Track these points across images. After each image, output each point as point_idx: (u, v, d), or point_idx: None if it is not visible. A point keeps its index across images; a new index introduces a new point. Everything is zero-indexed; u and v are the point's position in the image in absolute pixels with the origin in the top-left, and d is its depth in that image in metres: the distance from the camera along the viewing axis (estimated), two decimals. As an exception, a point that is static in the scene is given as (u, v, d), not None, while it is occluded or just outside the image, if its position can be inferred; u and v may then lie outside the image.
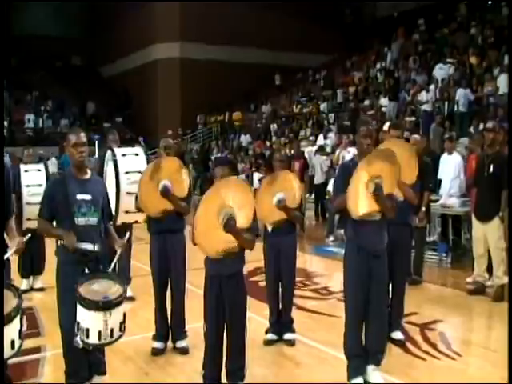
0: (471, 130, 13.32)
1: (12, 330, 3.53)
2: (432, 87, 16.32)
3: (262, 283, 6.32)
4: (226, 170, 4.13)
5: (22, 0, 31.00)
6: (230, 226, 3.78)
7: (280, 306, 5.48)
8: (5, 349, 3.50)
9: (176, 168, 5.16)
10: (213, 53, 27.06)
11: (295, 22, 27.66)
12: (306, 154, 15.17)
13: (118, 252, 4.21)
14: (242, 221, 3.87)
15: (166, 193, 4.98)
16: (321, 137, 16.96)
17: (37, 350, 5.31)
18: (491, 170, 6.57)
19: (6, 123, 27.33)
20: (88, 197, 4.13)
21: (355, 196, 4.13)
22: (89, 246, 4.05)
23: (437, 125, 14.15)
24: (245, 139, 23.09)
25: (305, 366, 4.95)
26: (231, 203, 3.83)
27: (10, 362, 3.86)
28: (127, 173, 5.99)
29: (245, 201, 3.93)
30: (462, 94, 14.66)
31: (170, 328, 5.28)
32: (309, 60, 27.64)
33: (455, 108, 14.93)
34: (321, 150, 15.23)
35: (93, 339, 3.80)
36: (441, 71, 16.75)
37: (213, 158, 20.04)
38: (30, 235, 4.06)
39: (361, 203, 4.15)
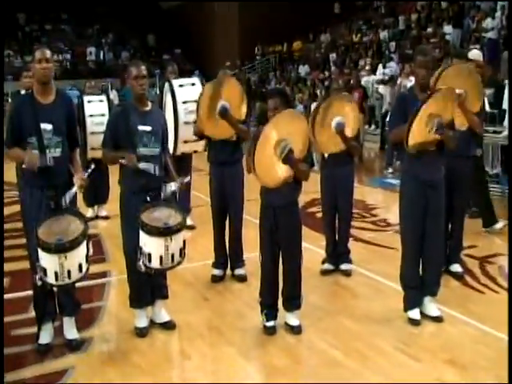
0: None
1: (80, 254, 3.71)
2: (498, 14, 15.44)
3: (319, 214, 6.35)
4: (277, 100, 4.09)
5: None
6: (289, 158, 3.80)
7: (337, 237, 5.52)
8: (72, 272, 3.69)
9: (236, 90, 5.11)
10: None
11: None
12: (364, 84, 14.84)
13: (174, 187, 4.22)
14: (298, 152, 3.89)
15: (224, 113, 4.95)
16: (380, 66, 16.46)
17: (102, 274, 5.56)
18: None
19: (68, 56, 27.78)
20: (149, 128, 4.20)
21: (413, 129, 4.01)
22: (150, 168, 4.12)
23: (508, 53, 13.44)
24: (303, 69, 22.67)
25: (361, 297, 5.01)
26: (286, 134, 3.83)
27: (77, 285, 4.05)
28: (185, 102, 6.03)
29: (300, 132, 3.93)
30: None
31: (228, 256, 5.42)
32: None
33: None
34: (382, 82, 14.87)
35: (155, 264, 3.97)
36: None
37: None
38: (92, 167, 4.16)
39: (417, 135, 4.04)
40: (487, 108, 8.83)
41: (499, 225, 6.69)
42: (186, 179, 4.43)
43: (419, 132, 4.03)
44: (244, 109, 5.12)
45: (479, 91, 5.05)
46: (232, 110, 4.98)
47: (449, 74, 4.89)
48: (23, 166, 3.87)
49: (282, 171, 3.90)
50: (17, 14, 29.41)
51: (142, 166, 4.10)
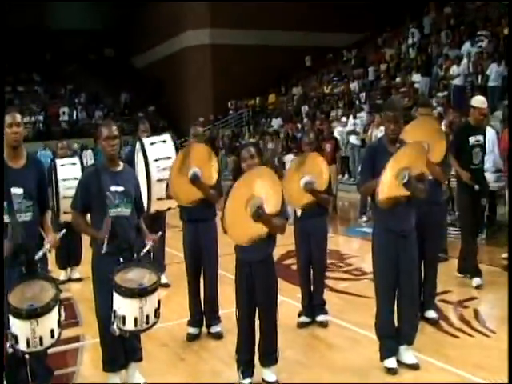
0: (505, 103, 13.04)
1: (51, 320, 3.66)
2: (464, 61, 16.00)
3: (294, 266, 6.35)
4: (251, 149, 4.15)
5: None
6: (258, 215, 3.80)
7: (312, 289, 5.53)
8: (44, 338, 3.63)
9: (205, 155, 5.19)
10: (242, 37, 26.99)
11: (324, 1, 27.31)
12: (337, 135, 15.14)
13: (148, 246, 4.26)
14: (271, 207, 3.91)
15: (195, 180, 5.02)
16: (351, 117, 16.84)
17: (75, 339, 5.47)
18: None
19: (41, 117, 27.88)
20: (121, 188, 4.21)
21: (383, 185, 4.11)
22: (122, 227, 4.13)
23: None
24: (276, 122, 23.06)
25: (337, 348, 4.99)
26: (259, 192, 3.86)
27: (49, 351, 3.98)
28: (156, 160, 6.07)
29: (272, 187, 3.96)
30: (493, 70, 14.30)
31: (203, 314, 5.38)
32: (339, 40, 27.36)
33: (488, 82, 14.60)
34: (353, 132, 15.20)
35: (129, 326, 3.91)
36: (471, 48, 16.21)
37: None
38: (64, 231, 4.17)
39: (387, 191, 4.13)
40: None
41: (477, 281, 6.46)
42: (158, 234, 4.44)
43: (389, 187, 4.11)
44: (214, 172, 5.19)
45: (442, 142, 5.20)
46: (203, 175, 5.06)
47: (412, 127, 5.03)
48: None
49: (255, 228, 3.91)
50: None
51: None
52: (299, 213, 5.44)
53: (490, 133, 9.09)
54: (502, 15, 17.91)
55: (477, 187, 6.19)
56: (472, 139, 6.23)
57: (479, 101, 6.35)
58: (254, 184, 3.90)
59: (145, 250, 4.20)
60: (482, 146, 6.35)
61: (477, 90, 14.31)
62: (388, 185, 4.11)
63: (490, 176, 8.75)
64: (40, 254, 3.91)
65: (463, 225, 6.64)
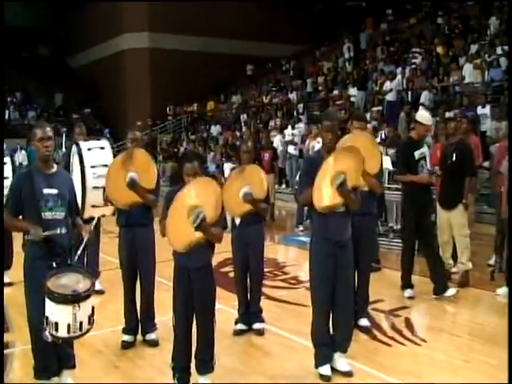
0: (437, 119, 13.53)
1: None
2: (399, 76, 16.50)
3: (232, 274, 6.38)
4: (196, 164, 4.14)
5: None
6: (201, 226, 3.85)
7: (249, 297, 5.55)
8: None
9: (144, 160, 5.15)
10: (182, 43, 26.88)
11: (265, 11, 27.60)
12: (275, 144, 15.30)
13: (85, 238, 4.20)
14: (211, 216, 3.95)
15: (133, 185, 4.97)
16: (289, 127, 17.04)
17: (5, 345, 5.26)
18: (454, 158, 6.70)
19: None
20: (54, 191, 4.13)
21: (320, 189, 4.21)
22: (56, 231, 4.04)
23: (405, 114, 14.33)
24: (215, 129, 23.07)
25: (274, 355, 5.03)
26: (200, 201, 3.90)
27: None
28: (93, 167, 5.95)
29: (213, 198, 3.99)
30: (427, 97, 14.76)
31: (139, 321, 5.30)
32: (279, 50, 27.65)
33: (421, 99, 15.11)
34: (291, 142, 15.38)
35: (62, 333, 3.81)
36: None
37: (180, 151, 19.95)
38: None
39: (325, 198, 4.25)
40: (390, 167, 9.35)
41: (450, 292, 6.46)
42: (92, 223, 4.37)
43: (327, 191, 4.21)
44: (153, 177, 5.15)
45: (377, 154, 5.35)
46: (141, 180, 5.01)
47: (348, 139, 5.15)
48: None
49: (194, 235, 3.92)
50: None
51: (47, 233, 4.01)
52: (238, 221, 5.45)
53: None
54: (435, 34, 18.61)
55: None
56: (417, 153, 6.43)
57: (425, 118, 6.56)
58: (197, 192, 3.94)
59: (83, 243, 4.12)
60: (425, 158, 6.57)
61: (407, 105, 14.79)
62: (327, 191, 4.20)
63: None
64: None
65: (405, 238, 6.75)
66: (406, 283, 6.59)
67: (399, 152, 6.72)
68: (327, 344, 4.51)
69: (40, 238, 3.98)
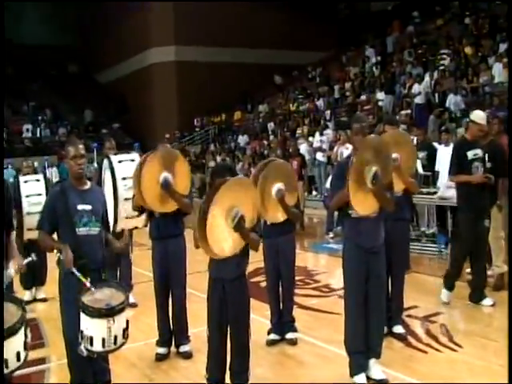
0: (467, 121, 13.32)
1: (17, 342, 3.56)
2: (427, 79, 16.33)
3: (263, 284, 6.37)
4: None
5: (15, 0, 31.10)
6: (240, 225, 3.77)
7: (281, 306, 5.53)
8: (10, 361, 3.53)
9: (181, 165, 5.12)
10: (207, 55, 27.12)
11: (289, 19, 27.68)
12: (304, 152, 15.26)
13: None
14: (248, 216, 3.88)
15: (166, 186, 4.95)
16: (317, 134, 17.00)
17: (41, 360, 5.35)
18: (486, 159, 6.57)
19: (4, 134, 27.39)
20: (89, 207, 4.18)
21: (355, 194, 4.15)
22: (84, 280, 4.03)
23: (434, 116, 14.17)
24: (242, 139, 23.14)
25: (307, 365, 4.99)
26: (237, 202, 3.82)
27: (15, 373, 3.88)
28: (124, 179, 6.02)
29: (250, 202, 3.94)
30: (452, 101, 14.60)
31: (172, 333, 5.32)
32: (304, 57, 27.69)
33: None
34: (319, 149, 15.33)
35: (97, 347, 3.84)
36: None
37: (211, 164, 20.01)
38: (33, 257, 4.10)
39: (362, 202, 4.18)
40: (421, 170, 9.25)
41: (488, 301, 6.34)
42: (125, 239, 4.39)
43: (362, 194, 4.15)
44: (187, 184, 5.16)
45: (413, 155, 5.30)
46: (175, 184, 5.01)
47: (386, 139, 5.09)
48: None
49: (232, 241, 3.85)
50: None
51: (76, 273, 4.02)
52: (268, 222, 5.38)
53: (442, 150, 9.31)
54: (463, 34, 18.40)
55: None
56: (470, 154, 6.19)
57: (480, 117, 6.30)
58: (233, 194, 3.84)
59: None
60: (482, 160, 6.27)
61: (436, 108, 14.64)
62: (360, 190, 4.13)
63: (453, 192, 8.88)
64: (6, 282, 3.82)
65: (460, 246, 6.51)
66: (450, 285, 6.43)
67: (452, 152, 6.53)
68: (362, 352, 4.45)
69: (68, 268, 3.99)
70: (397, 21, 23.22)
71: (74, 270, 4.01)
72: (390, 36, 22.97)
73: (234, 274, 4.10)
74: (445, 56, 17.52)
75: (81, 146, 4.22)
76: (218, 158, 20.23)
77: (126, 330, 3.94)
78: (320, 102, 21.30)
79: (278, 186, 5.12)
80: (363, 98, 19.27)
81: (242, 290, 4.17)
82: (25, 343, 3.62)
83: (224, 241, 3.86)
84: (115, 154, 6.56)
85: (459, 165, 6.27)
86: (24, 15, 32.56)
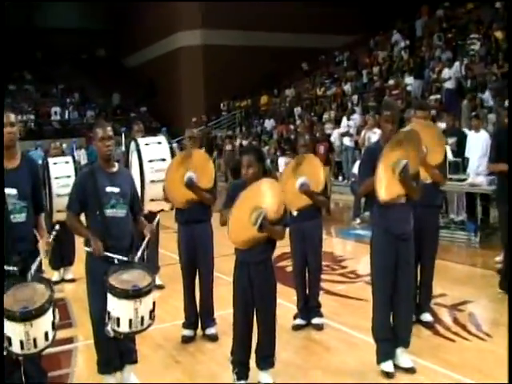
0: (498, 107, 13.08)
1: (46, 322, 3.61)
2: (457, 63, 16.03)
3: (290, 268, 6.35)
4: (251, 157, 4.13)
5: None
6: (263, 226, 3.86)
7: (307, 291, 5.51)
8: (38, 340, 3.58)
9: (202, 159, 5.20)
10: (234, 38, 26.97)
11: (317, 3, 27.32)
12: (333, 138, 15.15)
13: (147, 237, 4.27)
14: (274, 214, 3.95)
15: (190, 185, 5.03)
16: (344, 119, 16.84)
17: (69, 340, 5.43)
18: None
19: (32, 116, 27.74)
20: (117, 189, 4.19)
21: (381, 180, 4.11)
22: (115, 256, 4.09)
23: (468, 101, 13.91)
24: (269, 124, 23.06)
25: (334, 351, 4.97)
26: (263, 202, 3.92)
27: (44, 352, 3.93)
28: (151, 161, 6.06)
29: (276, 199, 3.99)
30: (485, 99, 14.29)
31: (199, 315, 5.34)
32: (332, 41, 27.39)
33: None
34: (347, 134, 15.17)
35: (124, 328, 3.88)
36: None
37: (228, 148, 20.07)
38: (57, 228, 4.14)
39: (387, 187, 4.14)
40: (450, 157, 9.09)
41: None
42: (155, 222, 4.44)
43: (389, 180, 4.10)
44: (211, 177, 5.20)
45: (440, 143, 5.19)
46: (199, 180, 5.05)
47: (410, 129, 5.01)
48: None
49: (254, 233, 3.93)
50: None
51: (108, 254, 4.06)
52: (295, 213, 5.40)
53: (484, 136, 9.13)
54: (493, 18, 17.99)
55: None
56: None
57: None
58: (260, 194, 3.97)
59: (145, 242, 4.18)
60: None
61: (467, 93, 14.36)
62: (388, 179, 4.10)
63: (483, 179, 8.78)
64: (36, 264, 3.85)
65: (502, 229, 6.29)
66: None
67: (492, 139, 6.33)
68: (389, 339, 4.40)
69: (99, 255, 4.04)
70: (426, 4, 22.77)
71: (106, 254, 4.04)
72: (419, 20, 22.55)
73: (259, 257, 4.10)
74: (475, 41, 17.14)
75: (109, 128, 4.22)
76: (244, 142, 20.20)
77: (152, 311, 3.97)
78: (347, 87, 21.07)
79: (301, 180, 5.13)
80: (391, 82, 19.00)
81: (268, 274, 4.17)
82: (53, 323, 3.67)
83: (245, 233, 3.96)
84: (142, 137, 6.60)
85: (499, 153, 6.11)
86: (54, 1, 32.81)
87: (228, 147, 20.08)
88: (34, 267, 3.85)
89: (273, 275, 4.21)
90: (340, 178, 16.06)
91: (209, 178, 5.18)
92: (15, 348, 3.56)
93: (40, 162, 7.68)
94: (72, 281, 7.53)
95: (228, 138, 22.03)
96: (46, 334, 3.62)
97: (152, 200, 6.12)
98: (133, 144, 6.42)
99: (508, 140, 6.35)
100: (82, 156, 19.43)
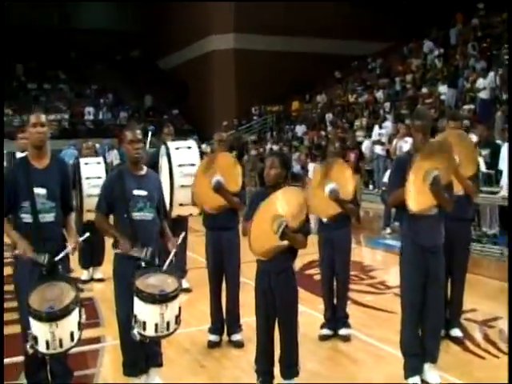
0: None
1: (71, 322, 3.63)
2: (491, 73, 15.76)
3: (317, 277, 6.29)
4: (275, 160, 4.11)
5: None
6: (284, 234, 3.83)
7: (335, 301, 5.44)
8: (64, 341, 3.60)
9: (229, 163, 5.19)
10: (267, 43, 26.97)
11: (350, 9, 27.18)
12: (364, 147, 15.01)
13: (172, 252, 4.25)
14: (295, 222, 3.91)
15: (218, 188, 5.02)
16: (376, 127, 16.69)
17: (96, 340, 5.45)
18: None
19: (67, 115, 28.15)
20: (144, 192, 4.21)
21: (411, 191, 4.04)
22: (141, 254, 4.11)
23: (502, 113, 13.67)
24: (300, 129, 22.99)
25: (360, 363, 4.90)
26: (285, 211, 3.89)
27: (71, 350, 3.94)
28: (180, 166, 6.08)
29: (298, 207, 3.96)
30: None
31: (225, 321, 5.32)
32: (364, 48, 27.21)
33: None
34: (378, 142, 15.02)
35: (150, 332, 3.87)
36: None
37: (253, 153, 20.06)
38: (87, 234, 4.16)
39: (417, 198, 4.06)
40: (483, 168, 8.94)
41: None
42: (181, 236, 4.42)
43: (419, 191, 4.02)
44: (238, 180, 5.18)
45: (473, 154, 5.09)
46: (226, 183, 5.05)
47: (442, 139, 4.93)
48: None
49: (274, 242, 3.90)
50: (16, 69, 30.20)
51: (135, 252, 4.09)
52: (324, 220, 5.34)
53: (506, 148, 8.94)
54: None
55: None
56: None
57: None
58: (282, 203, 3.94)
59: (169, 260, 4.15)
60: None
61: (502, 104, 14.11)
62: (418, 190, 4.02)
63: None
64: (61, 255, 3.88)
65: None
66: None
67: None
68: (417, 354, 4.31)
69: (127, 253, 4.07)
70: (460, 12, 22.46)
71: (133, 253, 4.05)
72: (454, 28, 22.26)
73: (280, 267, 4.06)
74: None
75: (138, 131, 4.26)
76: (275, 147, 20.17)
77: (178, 316, 3.96)
78: (379, 94, 20.90)
79: (331, 186, 5.08)
80: (424, 90, 18.78)
81: (290, 283, 4.12)
82: (79, 323, 3.68)
83: (266, 242, 3.93)
84: (173, 141, 6.61)
85: None
86: (88, 1, 33.35)
87: (253, 152, 20.07)
88: (60, 256, 3.86)
89: (294, 284, 4.16)
90: (370, 186, 15.91)
91: (236, 181, 5.16)
92: (41, 347, 3.59)
93: (71, 161, 7.79)
94: (101, 280, 7.58)
95: (253, 142, 22.04)
96: (72, 335, 3.64)
97: (181, 204, 6.14)
98: (163, 148, 6.45)
99: (508, 140, 6.22)
100: (114, 156, 19.58)
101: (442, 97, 17.35)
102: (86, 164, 7.50)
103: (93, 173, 7.33)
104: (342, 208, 5.17)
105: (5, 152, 11.12)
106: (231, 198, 5.10)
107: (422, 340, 4.34)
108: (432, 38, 22.40)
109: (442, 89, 17.61)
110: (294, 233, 3.90)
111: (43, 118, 3.99)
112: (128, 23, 34.35)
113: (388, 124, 16.82)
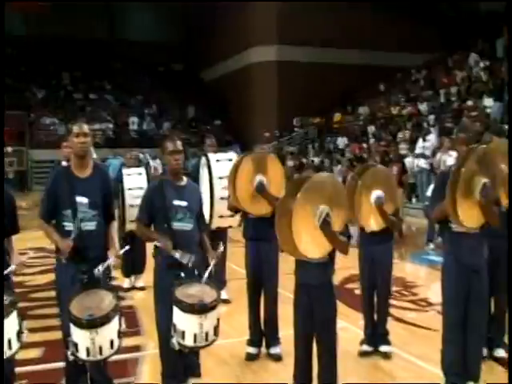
0: None
1: (111, 330, 3.67)
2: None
3: (358, 291, 6.19)
4: (310, 171, 4.07)
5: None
6: (326, 223, 3.65)
7: (375, 317, 5.35)
8: (104, 348, 3.64)
9: (275, 167, 5.15)
10: (309, 55, 26.96)
11: (393, 20, 26.96)
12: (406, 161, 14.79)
13: (212, 264, 4.25)
14: (336, 223, 3.75)
15: (260, 189, 4.97)
16: (420, 140, 16.44)
17: (136, 348, 5.48)
18: None
19: (111, 125, 28.69)
20: (184, 203, 4.25)
21: (458, 205, 3.91)
22: (183, 260, 4.13)
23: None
24: (342, 141, 22.86)
25: (400, 381, 4.77)
26: (328, 203, 3.69)
27: (111, 358, 3.97)
28: (221, 178, 6.09)
29: (341, 203, 3.82)
30: None
31: (263, 334, 5.29)
32: (408, 60, 26.87)
33: None
34: (422, 155, 14.80)
35: (188, 341, 3.89)
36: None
37: (290, 164, 19.99)
38: (128, 247, 4.22)
39: (464, 213, 3.93)
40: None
41: None
42: (220, 249, 4.39)
43: (465, 202, 3.90)
44: (282, 185, 5.12)
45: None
46: (271, 187, 5.00)
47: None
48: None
49: (319, 242, 3.73)
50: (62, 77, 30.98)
51: (177, 255, 4.12)
52: (367, 229, 5.19)
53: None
54: None
55: None
56: None
57: None
58: (323, 194, 3.72)
59: (208, 271, 4.14)
60: None
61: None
62: (464, 199, 3.87)
63: None
64: (101, 269, 3.91)
65: None
66: None
67: None
68: (458, 373, 4.21)
69: (169, 253, 4.10)
70: (507, 24, 22.01)
71: (176, 254, 4.08)
72: (500, 39, 21.81)
73: (319, 279, 3.98)
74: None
75: (178, 143, 4.31)
76: (316, 159, 20.10)
77: (216, 327, 3.97)
78: (423, 106, 20.60)
79: (378, 193, 4.96)
80: (470, 103, 18.44)
81: (329, 297, 4.04)
82: (119, 332, 3.72)
83: (309, 242, 3.73)
84: (214, 152, 6.64)
85: None
86: (130, 11, 34.38)
87: (290, 163, 19.99)
88: (101, 268, 3.90)
89: (334, 299, 4.07)
90: (414, 200, 15.67)
91: (280, 186, 5.07)
92: (81, 354, 3.64)
93: (118, 169, 7.95)
94: (142, 289, 7.64)
95: (291, 154, 21.97)
96: (112, 342, 3.68)
97: (221, 216, 6.16)
98: (203, 159, 6.48)
99: (508, 141, 6.01)
100: (158, 166, 19.81)
101: (488, 110, 17.01)
102: (129, 175, 7.62)
103: (135, 183, 7.44)
104: (384, 219, 5.03)
105: (51, 160, 11.37)
106: (274, 200, 4.87)
107: (463, 359, 4.23)
108: (477, 50, 22.00)
109: (487, 102, 17.26)
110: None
111: (85, 128, 4.07)
112: (172, 35, 34.92)
113: (432, 137, 16.56)
